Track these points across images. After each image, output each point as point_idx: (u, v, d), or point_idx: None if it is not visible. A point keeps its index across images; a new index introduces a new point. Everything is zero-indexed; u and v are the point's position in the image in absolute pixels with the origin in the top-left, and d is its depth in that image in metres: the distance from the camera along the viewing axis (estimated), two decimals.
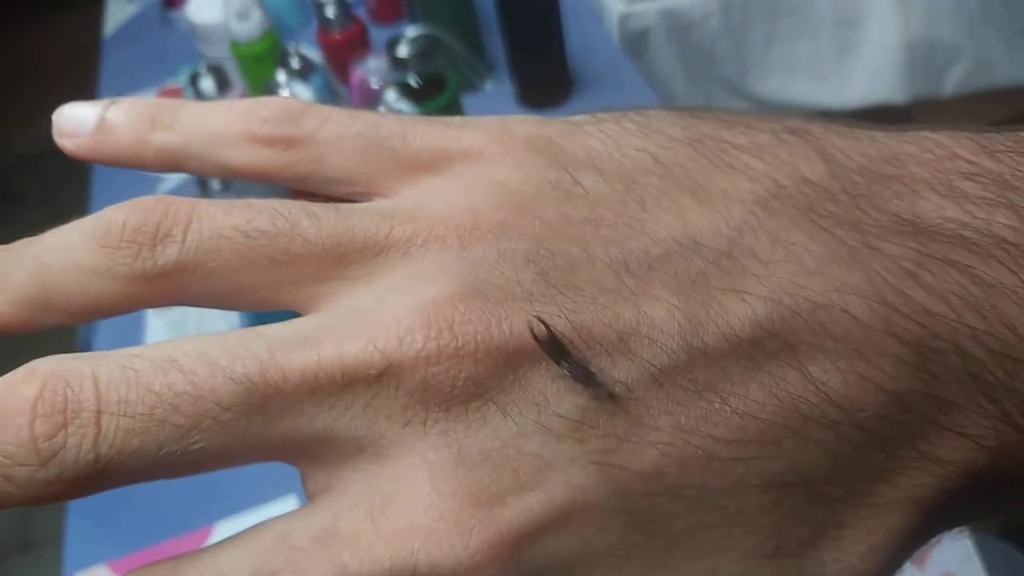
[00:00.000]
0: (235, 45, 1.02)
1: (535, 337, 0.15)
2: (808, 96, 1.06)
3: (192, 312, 0.88)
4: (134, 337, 0.84)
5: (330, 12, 1.00)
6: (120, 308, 0.16)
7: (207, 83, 1.04)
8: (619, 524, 0.15)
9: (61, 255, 0.16)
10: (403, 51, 0.97)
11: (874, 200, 0.16)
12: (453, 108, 0.85)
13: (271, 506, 0.69)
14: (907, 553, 0.17)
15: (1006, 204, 0.16)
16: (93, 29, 1.40)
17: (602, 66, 1.03)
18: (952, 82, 1.04)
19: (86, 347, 0.88)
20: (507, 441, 0.15)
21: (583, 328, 0.15)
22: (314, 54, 1.02)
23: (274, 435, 0.14)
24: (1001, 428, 0.15)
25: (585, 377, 0.14)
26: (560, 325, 0.15)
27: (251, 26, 1.01)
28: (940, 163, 0.17)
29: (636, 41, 1.08)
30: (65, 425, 0.13)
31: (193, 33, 1.09)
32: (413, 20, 1.05)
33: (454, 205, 0.16)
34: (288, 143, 0.18)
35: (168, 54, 1.25)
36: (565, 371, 0.14)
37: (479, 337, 0.15)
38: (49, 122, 0.19)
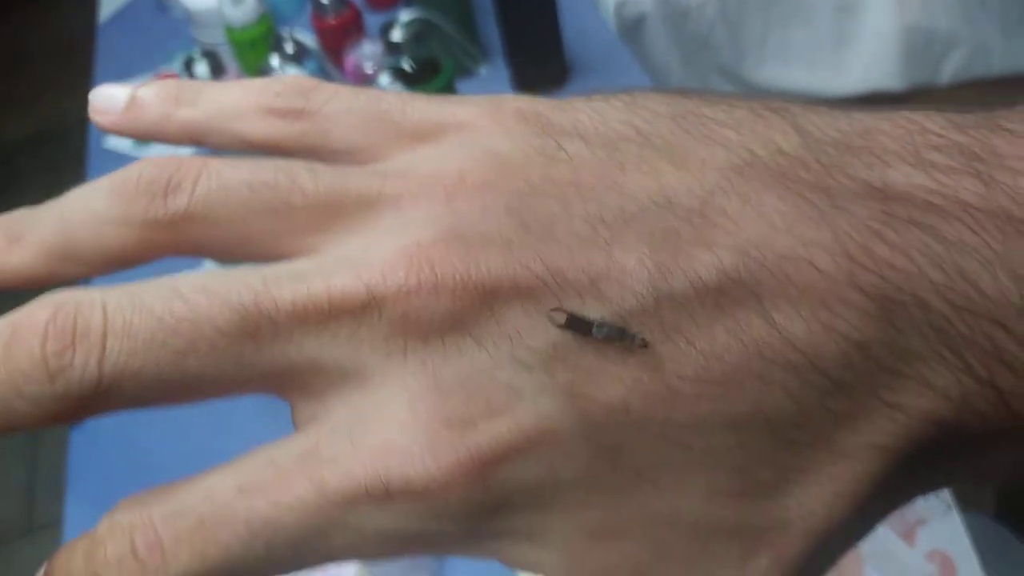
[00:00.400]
0: (230, 30, 1.02)
1: (558, 325, 0.15)
2: (805, 83, 1.06)
3: None
4: None
5: None
6: (135, 257, 0.17)
7: (202, 68, 1.04)
8: (584, 454, 0.15)
9: (81, 207, 0.17)
10: (397, 35, 0.97)
11: (846, 169, 0.17)
12: (447, 92, 0.85)
13: None
14: (877, 508, 0.17)
15: (972, 173, 0.17)
16: (88, 15, 1.40)
17: (598, 52, 1.02)
18: (949, 70, 1.04)
19: None
20: (481, 371, 0.15)
21: (557, 272, 0.16)
22: (308, 39, 1.02)
23: (265, 362, 0.16)
24: (963, 379, 0.16)
25: (619, 334, 0.15)
26: (536, 268, 0.16)
27: (245, 11, 1.01)
28: (911, 136, 0.17)
29: (632, 27, 1.08)
30: (73, 345, 0.15)
31: (188, 18, 1.09)
32: (407, 4, 1.05)
33: (444, 166, 0.18)
34: (298, 115, 0.19)
35: (163, 40, 1.24)
36: (601, 335, 0.15)
37: (458, 275, 0.16)
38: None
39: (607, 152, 0.18)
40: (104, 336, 0.15)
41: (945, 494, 0.55)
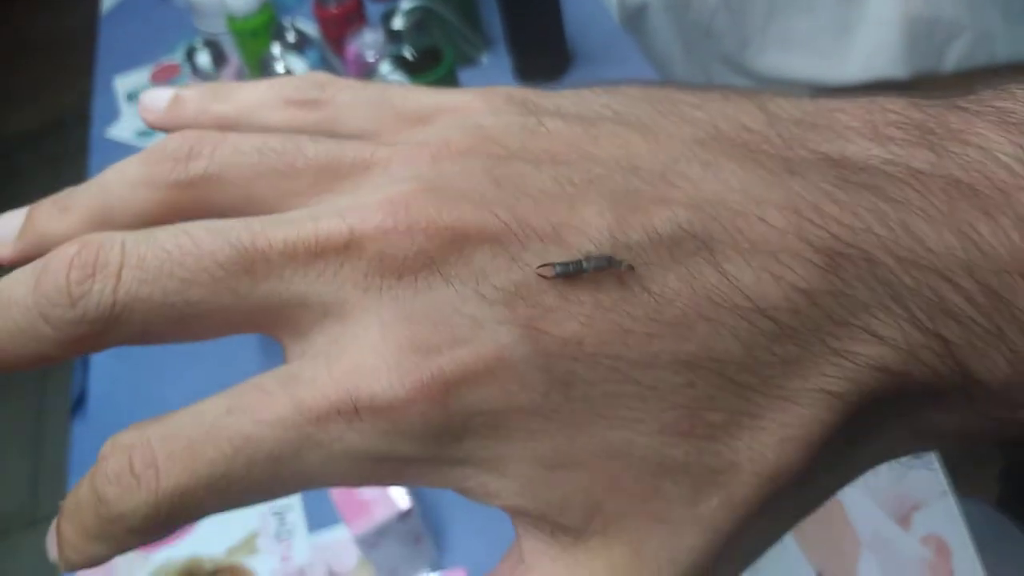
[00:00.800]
0: (231, 20, 1.02)
1: (547, 277, 0.17)
2: (807, 71, 1.05)
3: None
4: None
5: None
6: (161, 217, 0.19)
7: (203, 58, 1.04)
8: (540, 383, 0.16)
9: (118, 175, 0.20)
10: (398, 24, 0.96)
11: (807, 143, 0.18)
12: (449, 81, 0.85)
13: None
14: (839, 460, 0.18)
15: (925, 144, 0.18)
16: (90, 6, 1.40)
17: (601, 40, 1.02)
18: (953, 58, 1.03)
19: None
20: (448, 304, 0.17)
21: (523, 220, 0.17)
22: (310, 28, 1.02)
23: (258, 295, 0.17)
24: (909, 330, 0.17)
25: (608, 261, 0.17)
26: (504, 216, 0.17)
27: (247, 0, 1.01)
28: (870, 115, 0.19)
29: (634, 16, 1.08)
30: (94, 274, 0.17)
31: (190, 8, 1.09)
32: None
33: (433, 136, 0.20)
34: (314, 104, 0.22)
35: (165, 30, 1.25)
36: (591, 265, 0.17)
37: (431, 219, 0.17)
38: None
39: (583, 127, 0.19)
40: (121, 267, 0.17)
41: (941, 479, 0.55)
